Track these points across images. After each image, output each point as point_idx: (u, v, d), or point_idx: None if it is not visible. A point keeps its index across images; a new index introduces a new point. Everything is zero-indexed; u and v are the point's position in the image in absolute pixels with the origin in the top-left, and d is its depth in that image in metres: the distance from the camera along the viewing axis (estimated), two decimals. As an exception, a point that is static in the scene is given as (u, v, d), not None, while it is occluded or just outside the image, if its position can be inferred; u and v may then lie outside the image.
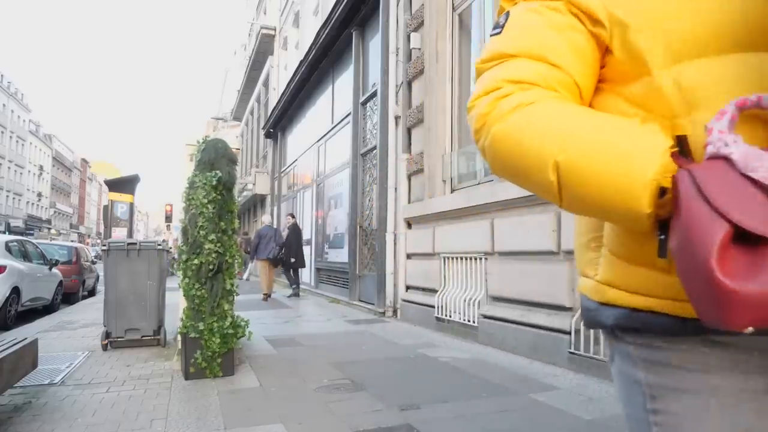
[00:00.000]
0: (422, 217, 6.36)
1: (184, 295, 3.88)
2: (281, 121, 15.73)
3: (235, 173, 4.06)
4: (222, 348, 3.71)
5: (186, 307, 3.86)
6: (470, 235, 5.28)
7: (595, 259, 0.77)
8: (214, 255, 3.79)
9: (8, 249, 8.02)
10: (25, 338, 3.35)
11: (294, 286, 10.26)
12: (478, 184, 5.49)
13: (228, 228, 3.93)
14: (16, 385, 3.24)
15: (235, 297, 4.05)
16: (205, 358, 3.67)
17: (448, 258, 5.75)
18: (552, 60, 0.70)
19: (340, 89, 10.47)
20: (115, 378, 3.80)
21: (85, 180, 79.16)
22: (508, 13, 0.77)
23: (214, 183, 3.87)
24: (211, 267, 3.79)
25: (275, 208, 16.37)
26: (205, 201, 3.83)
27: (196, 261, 3.77)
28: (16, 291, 7.71)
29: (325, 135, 11.40)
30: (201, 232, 3.80)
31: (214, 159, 3.95)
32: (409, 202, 6.83)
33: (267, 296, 9.75)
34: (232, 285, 3.96)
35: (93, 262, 13.97)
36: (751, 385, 0.65)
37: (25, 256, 8.58)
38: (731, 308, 0.50)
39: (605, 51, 0.71)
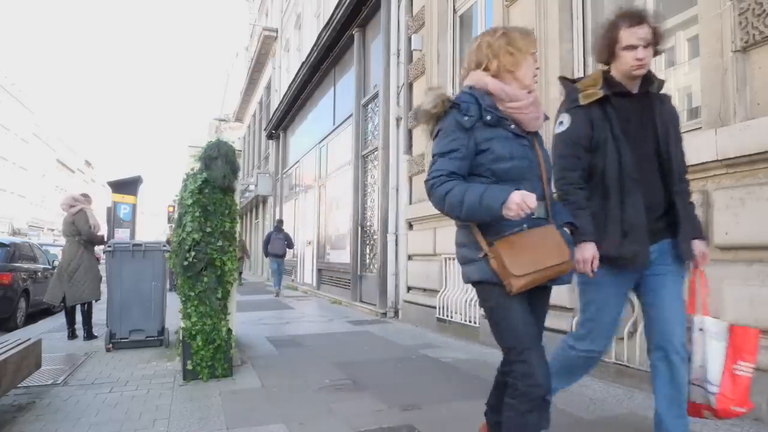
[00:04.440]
0: (423, 218, 6.37)
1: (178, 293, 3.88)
2: (283, 122, 15.75)
3: (232, 175, 3.96)
4: (207, 351, 3.68)
5: (182, 308, 3.83)
6: (471, 235, 5.29)
7: None
8: (194, 252, 3.74)
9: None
10: (29, 339, 3.38)
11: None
12: (480, 185, 5.49)
13: (215, 231, 3.82)
14: (20, 385, 3.26)
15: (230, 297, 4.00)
16: (196, 364, 3.66)
17: (450, 259, 5.75)
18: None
19: (342, 90, 10.49)
20: (118, 378, 3.82)
21: (89, 181, 79.34)
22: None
23: (199, 183, 3.83)
24: (193, 261, 3.74)
25: (277, 209, 16.40)
26: (189, 202, 3.80)
27: (185, 253, 3.75)
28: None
29: (326, 136, 11.42)
30: (186, 230, 3.77)
31: (210, 160, 3.89)
32: (410, 203, 6.84)
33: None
34: (227, 289, 3.91)
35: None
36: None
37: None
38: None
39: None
